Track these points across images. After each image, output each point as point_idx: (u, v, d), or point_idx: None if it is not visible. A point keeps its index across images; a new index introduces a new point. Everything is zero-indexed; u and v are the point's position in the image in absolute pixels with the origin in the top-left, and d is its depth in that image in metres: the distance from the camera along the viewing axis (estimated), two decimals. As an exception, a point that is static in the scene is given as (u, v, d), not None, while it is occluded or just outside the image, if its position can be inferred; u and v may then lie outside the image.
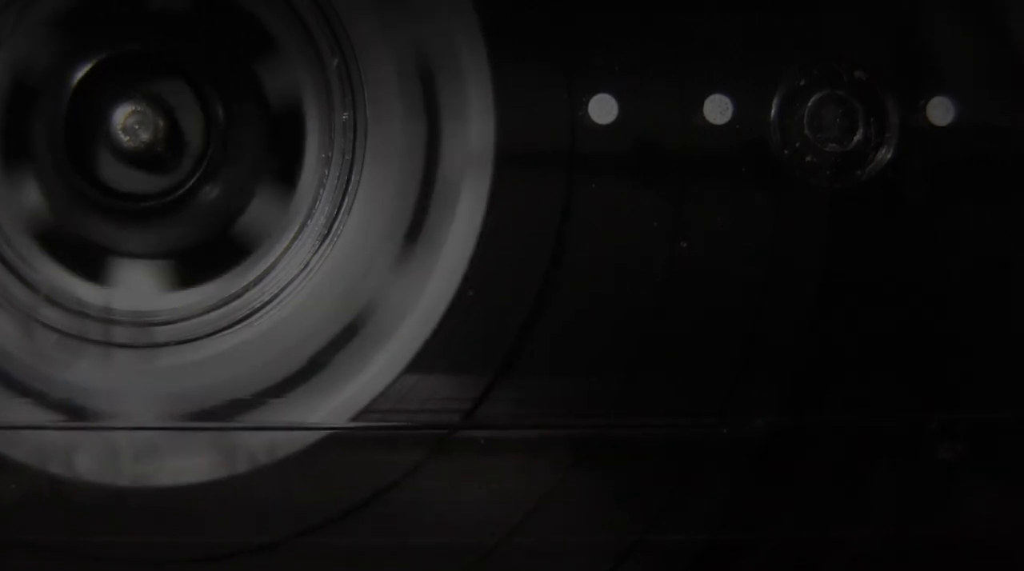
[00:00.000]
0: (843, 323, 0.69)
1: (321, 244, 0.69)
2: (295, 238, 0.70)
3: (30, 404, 0.67)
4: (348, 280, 0.69)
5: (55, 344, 0.68)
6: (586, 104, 0.68)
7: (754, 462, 0.69)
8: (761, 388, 0.69)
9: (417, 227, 0.68)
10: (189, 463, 0.67)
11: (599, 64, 0.68)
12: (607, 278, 0.68)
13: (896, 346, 0.69)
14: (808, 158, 0.68)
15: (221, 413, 0.68)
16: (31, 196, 0.71)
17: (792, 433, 0.69)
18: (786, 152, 0.68)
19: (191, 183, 0.70)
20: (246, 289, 0.70)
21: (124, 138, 0.69)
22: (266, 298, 0.69)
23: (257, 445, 0.67)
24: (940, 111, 0.68)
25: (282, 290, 0.69)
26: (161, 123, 0.69)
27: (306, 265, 0.69)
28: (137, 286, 0.70)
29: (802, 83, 0.68)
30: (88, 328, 0.69)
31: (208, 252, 0.71)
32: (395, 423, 0.68)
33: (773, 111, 0.68)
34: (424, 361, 0.68)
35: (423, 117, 0.68)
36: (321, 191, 0.70)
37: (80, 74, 0.69)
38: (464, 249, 0.68)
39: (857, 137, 0.68)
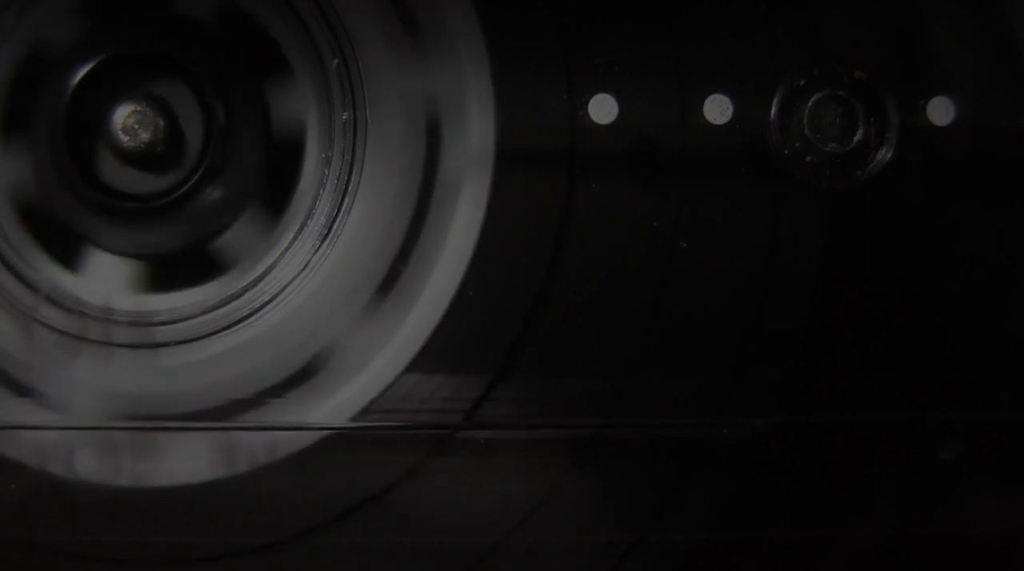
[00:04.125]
0: (843, 323, 0.69)
1: (321, 244, 0.69)
2: (295, 238, 0.70)
3: (30, 404, 0.67)
4: (348, 280, 0.69)
5: (55, 344, 0.68)
6: (586, 104, 0.68)
7: (754, 462, 0.69)
8: (761, 388, 0.69)
9: (417, 227, 0.68)
10: (189, 463, 0.67)
11: (599, 64, 0.68)
12: (607, 278, 0.68)
13: (896, 346, 0.69)
14: (808, 158, 0.68)
15: (221, 413, 0.68)
16: (31, 197, 0.71)
17: (792, 433, 0.69)
18: (786, 152, 0.68)
19: (191, 183, 0.70)
20: (246, 289, 0.70)
21: (124, 138, 0.69)
22: (266, 298, 0.69)
23: (257, 445, 0.67)
24: (940, 111, 0.68)
25: (282, 290, 0.69)
26: (161, 123, 0.69)
27: (306, 265, 0.69)
28: (137, 286, 0.70)
29: (802, 83, 0.68)
30: (88, 328, 0.69)
31: (209, 251, 0.71)
32: (395, 423, 0.68)
33: (773, 111, 0.68)
34: (424, 361, 0.68)
35: (423, 117, 0.68)
36: (321, 191, 0.70)
37: (80, 74, 0.69)
38: (464, 249, 0.68)
39: (857, 137, 0.68)
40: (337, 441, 0.68)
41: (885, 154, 0.68)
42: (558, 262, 0.68)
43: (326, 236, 0.69)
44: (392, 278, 0.68)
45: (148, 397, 0.68)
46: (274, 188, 0.71)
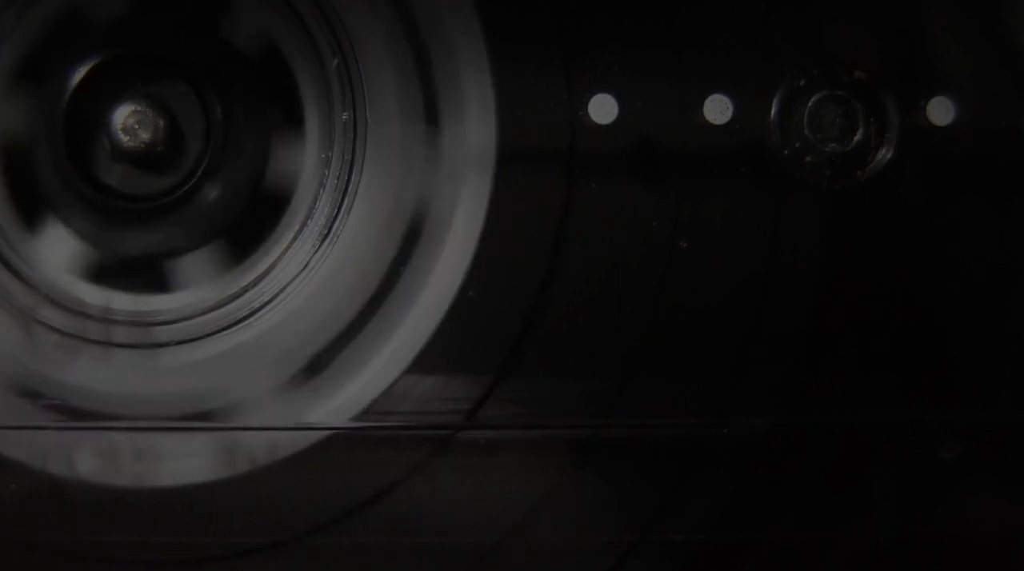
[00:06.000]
0: (843, 323, 0.69)
1: (321, 244, 0.69)
2: (295, 238, 0.70)
3: (30, 404, 0.67)
4: (348, 280, 0.69)
5: (55, 344, 0.68)
6: (586, 104, 0.68)
7: (754, 462, 0.69)
8: (761, 388, 0.69)
9: (417, 227, 0.68)
10: (189, 463, 0.67)
11: (599, 64, 0.68)
12: (607, 278, 0.68)
13: (896, 346, 0.69)
14: (808, 158, 0.68)
15: (221, 413, 0.68)
16: (31, 197, 0.71)
17: (792, 433, 0.69)
18: (786, 152, 0.68)
19: (191, 183, 0.70)
20: (246, 289, 0.70)
21: (124, 138, 0.69)
22: (266, 298, 0.69)
23: (257, 445, 0.67)
24: (940, 111, 0.68)
25: (282, 290, 0.69)
26: (161, 123, 0.69)
27: (306, 265, 0.69)
28: (137, 286, 0.70)
29: (802, 83, 0.68)
30: (88, 328, 0.69)
31: (208, 252, 0.71)
32: (395, 423, 0.68)
33: (773, 111, 0.68)
34: (424, 361, 0.68)
35: (423, 117, 0.68)
36: (321, 191, 0.70)
37: (80, 74, 0.69)
38: (464, 249, 0.68)
39: (857, 137, 0.68)
40: (337, 441, 0.68)
41: (885, 154, 0.68)
42: (558, 262, 0.68)
43: (326, 236, 0.69)
44: (392, 278, 0.68)
45: (148, 397, 0.68)
46: (272, 191, 0.71)
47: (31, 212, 0.70)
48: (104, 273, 0.71)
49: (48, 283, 0.70)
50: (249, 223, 0.71)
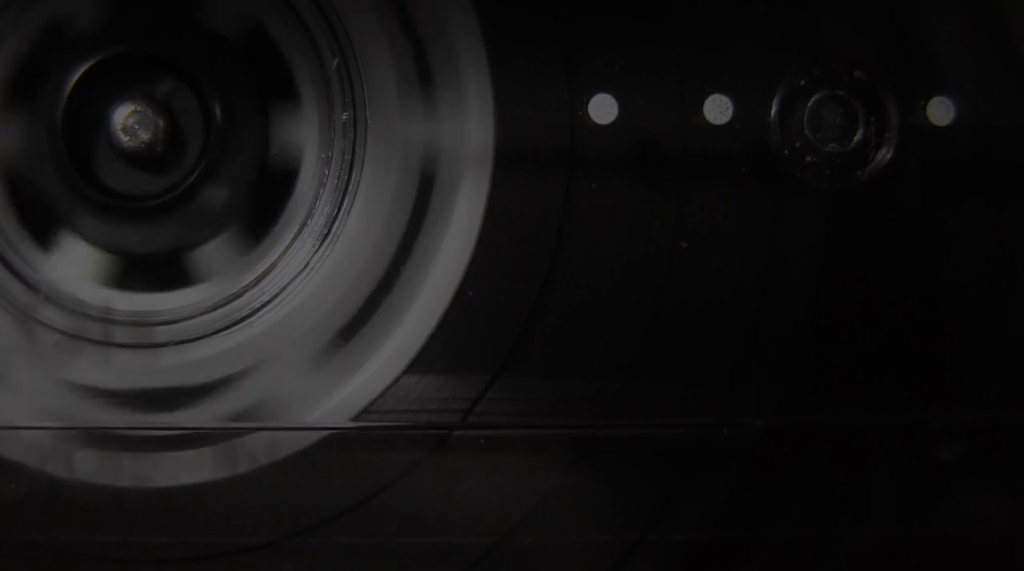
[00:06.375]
0: (843, 323, 0.69)
1: (321, 244, 0.69)
2: (295, 238, 0.70)
3: (30, 404, 0.67)
4: (348, 280, 0.69)
5: (55, 344, 0.68)
6: (586, 104, 0.68)
7: (754, 462, 0.69)
8: (761, 388, 0.69)
9: (417, 227, 0.68)
10: (189, 463, 0.67)
11: (599, 64, 0.68)
12: (607, 278, 0.68)
13: (896, 346, 0.69)
14: (808, 158, 0.68)
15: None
16: (30, 196, 0.71)
17: (792, 433, 0.69)
18: (786, 152, 0.68)
19: (190, 183, 0.70)
20: (246, 289, 0.70)
21: (124, 138, 0.69)
22: (266, 298, 0.69)
23: (257, 445, 0.67)
24: (940, 111, 0.68)
25: (282, 290, 0.69)
26: (161, 123, 0.69)
27: (306, 265, 0.69)
28: (136, 286, 0.70)
29: (802, 83, 0.68)
30: (88, 328, 0.69)
31: (207, 252, 0.71)
32: (395, 423, 0.68)
33: (773, 111, 0.68)
34: (424, 361, 0.68)
35: (423, 117, 0.68)
36: (321, 191, 0.70)
37: (80, 74, 0.69)
38: (464, 249, 0.68)
39: (857, 137, 0.68)
40: (337, 441, 0.68)
41: (885, 154, 0.68)
42: (558, 262, 0.68)
43: (326, 236, 0.69)
44: (392, 278, 0.68)
45: (148, 397, 0.68)
46: (272, 192, 0.71)
47: (30, 209, 0.71)
48: (104, 272, 0.71)
49: (48, 282, 0.70)
50: (248, 223, 0.71)
